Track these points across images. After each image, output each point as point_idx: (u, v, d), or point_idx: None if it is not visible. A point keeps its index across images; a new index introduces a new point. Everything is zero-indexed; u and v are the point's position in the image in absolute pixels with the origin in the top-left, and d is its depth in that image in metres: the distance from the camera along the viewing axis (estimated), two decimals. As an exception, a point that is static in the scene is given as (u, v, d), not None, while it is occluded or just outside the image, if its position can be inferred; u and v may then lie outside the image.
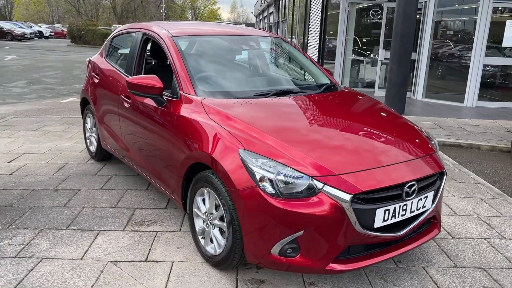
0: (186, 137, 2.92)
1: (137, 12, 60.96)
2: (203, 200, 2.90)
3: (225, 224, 2.63)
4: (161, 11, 56.46)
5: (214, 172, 2.66)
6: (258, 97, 3.19)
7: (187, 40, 3.67)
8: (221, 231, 2.76)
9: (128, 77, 3.91)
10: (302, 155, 2.46)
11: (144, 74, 3.94)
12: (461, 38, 10.38)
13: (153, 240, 3.16)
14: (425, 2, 10.23)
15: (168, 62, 4.44)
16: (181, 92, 3.14)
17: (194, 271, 2.78)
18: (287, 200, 2.34)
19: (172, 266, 2.82)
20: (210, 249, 2.85)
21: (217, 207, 2.76)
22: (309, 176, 2.36)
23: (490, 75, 10.18)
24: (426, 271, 2.87)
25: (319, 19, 12.72)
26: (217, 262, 2.76)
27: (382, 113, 3.32)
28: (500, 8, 9.70)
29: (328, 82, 3.79)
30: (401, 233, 2.53)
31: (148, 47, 4.19)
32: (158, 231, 3.29)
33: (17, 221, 3.40)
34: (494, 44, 9.67)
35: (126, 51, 4.33)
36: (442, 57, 10.65)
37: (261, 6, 37.80)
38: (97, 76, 4.56)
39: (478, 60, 9.53)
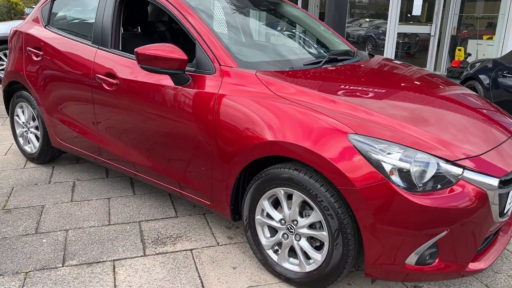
0: (239, 125, 2.19)
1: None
2: (276, 205, 2.23)
3: (324, 233, 2.02)
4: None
5: (302, 167, 2.03)
6: (309, 66, 2.56)
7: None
8: (311, 242, 2.14)
9: (101, 49, 2.93)
10: (429, 135, 1.95)
11: (121, 44, 2.98)
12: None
13: (194, 262, 2.39)
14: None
15: (159, 29, 3.54)
16: (218, 65, 2.36)
17: (277, 298, 2.14)
18: (425, 194, 1.83)
19: (245, 296, 2.14)
20: (290, 265, 2.22)
21: (302, 213, 2.13)
22: (447, 160, 1.87)
23: (405, 43, 10.68)
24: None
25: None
26: (308, 282, 2.14)
27: (448, 83, 2.89)
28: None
29: (349, 48, 3.29)
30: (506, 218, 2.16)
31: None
32: (192, 249, 2.52)
33: (-23, 265, 2.33)
34: (407, 13, 10.11)
35: (85, 15, 3.27)
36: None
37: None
38: (39, 52, 3.39)
39: (393, 28, 9.86)
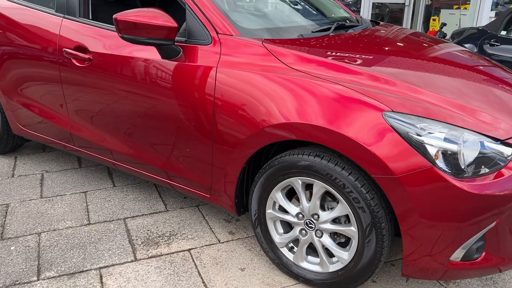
0: (245, 104, 1.85)
1: None
2: (289, 196, 1.93)
3: (352, 228, 1.74)
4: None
5: (324, 152, 1.72)
6: (318, 33, 2.22)
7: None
8: (334, 238, 1.85)
9: (67, 19, 2.48)
10: (473, 110, 1.68)
11: (91, 12, 2.53)
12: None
13: (195, 265, 2.06)
14: None
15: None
16: (215, 33, 1.98)
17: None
18: (474, 180, 1.56)
19: (260, 303, 1.85)
20: (310, 265, 1.94)
21: (323, 206, 1.84)
22: (497, 139, 1.61)
23: (378, 14, 10.44)
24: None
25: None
26: (332, 284, 1.86)
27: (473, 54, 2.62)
28: None
29: (350, 15, 2.96)
30: None
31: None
32: (191, 249, 2.19)
33: None
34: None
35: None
36: None
37: None
38: (-11, 24, 2.88)
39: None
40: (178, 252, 2.16)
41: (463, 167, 1.56)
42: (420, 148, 1.55)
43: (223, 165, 2.00)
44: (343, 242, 1.86)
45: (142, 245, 2.21)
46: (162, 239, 2.27)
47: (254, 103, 1.83)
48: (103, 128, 2.46)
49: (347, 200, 1.70)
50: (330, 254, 1.88)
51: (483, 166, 1.58)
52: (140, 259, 2.10)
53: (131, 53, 2.19)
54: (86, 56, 2.36)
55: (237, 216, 2.50)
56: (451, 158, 1.55)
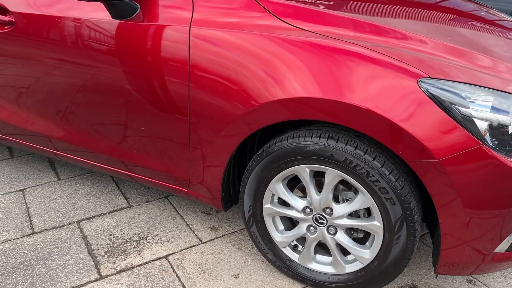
0: (232, 76, 1.43)
1: None
2: (291, 187, 1.57)
3: (376, 223, 1.42)
4: None
5: (339, 133, 1.37)
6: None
7: None
8: (349, 234, 1.54)
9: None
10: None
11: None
12: None
13: (177, 277, 1.68)
14: None
15: None
16: (184, -18, 1.51)
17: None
18: (525, 158, 1.28)
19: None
20: (319, 266, 1.62)
21: (336, 197, 1.50)
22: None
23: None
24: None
25: None
26: (349, 287, 1.56)
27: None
28: None
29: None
30: None
31: None
32: (168, 255, 1.79)
33: None
34: None
35: None
36: None
37: None
38: None
39: None
40: (153, 261, 1.76)
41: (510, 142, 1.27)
42: (467, 123, 1.23)
43: (206, 154, 1.59)
44: (360, 238, 1.55)
45: (106, 256, 1.78)
46: (130, 245, 1.85)
47: (243, 74, 1.41)
48: (37, 110, 1.94)
49: (371, 190, 1.37)
50: (344, 251, 1.57)
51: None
52: (107, 276, 1.67)
53: (67, 12, 1.66)
54: (6, 18, 1.79)
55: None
56: (498, 132, 1.25)
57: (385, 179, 1.34)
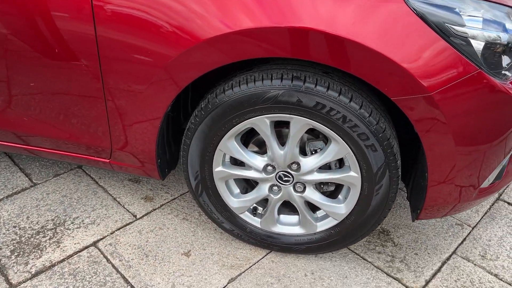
0: (157, 9, 1.05)
1: None
2: (245, 144, 1.28)
3: (352, 174, 1.21)
4: None
5: (304, 72, 1.09)
6: None
7: None
8: (318, 189, 1.31)
9: None
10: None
11: None
12: None
13: (113, 267, 1.35)
14: None
15: None
16: None
17: (287, 270, 1.34)
18: (516, 82, 1.12)
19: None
20: (285, 228, 1.40)
21: (302, 150, 1.25)
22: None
23: None
24: None
25: None
26: (320, 246, 1.37)
27: None
28: None
29: None
30: None
31: None
32: (97, 242, 1.44)
33: None
34: None
35: None
36: None
37: None
38: None
39: None
40: (78, 252, 1.40)
41: (504, 64, 1.09)
42: (462, 44, 1.01)
43: (129, 110, 1.22)
44: (330, 191, 1.34)
45: (13, 257, 1.37)
46: (44, 236, 1.45)
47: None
48: None
49: (348, 137, 1.13)
50: (313, 208, 1.35)
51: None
52: (19, 284, 1.29)
53: None
54: None
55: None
56: (492, 52, 1.06)
57: (365, 123, 1.10)
